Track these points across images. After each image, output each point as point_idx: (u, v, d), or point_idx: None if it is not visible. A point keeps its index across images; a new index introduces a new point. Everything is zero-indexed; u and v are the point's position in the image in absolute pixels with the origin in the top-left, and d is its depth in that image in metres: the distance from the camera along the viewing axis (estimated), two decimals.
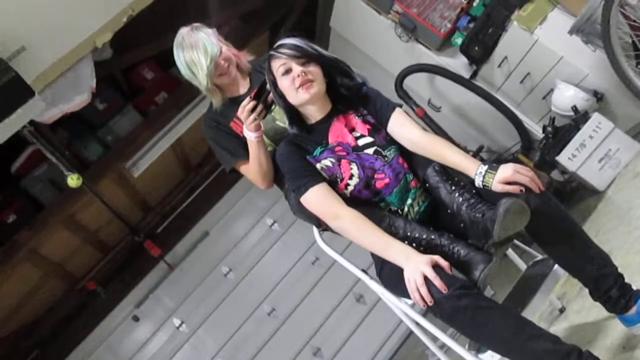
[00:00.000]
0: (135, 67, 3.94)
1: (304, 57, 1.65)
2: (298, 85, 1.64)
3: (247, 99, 1.77)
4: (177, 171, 4.52)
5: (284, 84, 1.66)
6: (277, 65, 1.65)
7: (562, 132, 2.93)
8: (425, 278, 1.38)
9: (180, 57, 1.96)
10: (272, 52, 1.67)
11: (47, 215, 3.63)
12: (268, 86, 1.74)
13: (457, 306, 1.36)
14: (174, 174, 4.53)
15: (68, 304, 4.28)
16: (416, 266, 1.40)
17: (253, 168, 1.98)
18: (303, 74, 1.63)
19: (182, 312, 4.10)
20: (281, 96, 1.69)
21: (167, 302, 4.15)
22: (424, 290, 1.37)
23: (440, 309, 1.38)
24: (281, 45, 1.67)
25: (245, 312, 4.05)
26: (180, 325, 4.06)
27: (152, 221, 4.52)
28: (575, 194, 3.17)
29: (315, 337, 4.01)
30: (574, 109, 2.85)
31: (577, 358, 1.33)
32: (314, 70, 1.66)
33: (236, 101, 2.04)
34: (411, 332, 3.82)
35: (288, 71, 1.65)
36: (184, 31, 1.97)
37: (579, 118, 2.85)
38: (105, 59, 3.25)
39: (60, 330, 4.14)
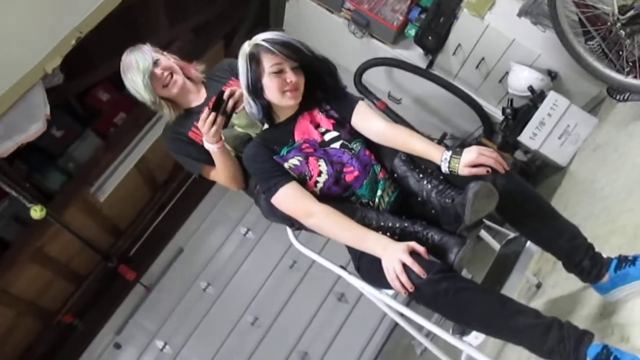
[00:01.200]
0: (89, 91, 3.85)
1: (298, 60, 1.61)
2: (288, 89, 1.62)
3: (206, 110, 1.75)
4: (144, 191, 4.44)
5: (272, 83, 1.61)
6: (270, 63, 1.59)
7: (521, 113, 3.00)
8: (404, 265, 1.39)
9: (125, 82, 1.96)
10: (264, 45, 1.58)
11: (14, 253, 3.51)
12: (225, 95, 1.73)
13: (437, 290, 1.38)
14: (142, 194, 4.44)
15: (46, 341, 4.14)
16: (393, 254, 1.41)
17: (221, 174, 1.97)
18: (295, 81, 1.61)
19: (164, 333, 4.03)
20: (260, 89, 1.65)
21: (148, 325, 4.07)
22: (403, 278, 1.38)
23: (421, 294, 1.39)
24: (275, 41, 1.59)
25: (228, 325, 4.00)
26: (164, 346, 3.99)
27: (124, 245, 4.43)
28: (540, 172, 3.24)
29: (301, 341, 3.99)
30: (530, 89, 2.92)
31: (558, 329, 1.36)
32: (301, 76, 1.64)
33: (192, 112, 2.03)
34: (396, 325, 3.86)
35: (280, 71, 1.60)
36: (123, 55, 1.96)
37: (536, 98, 2.92)
38: (57, 84, 3.17)
39: None
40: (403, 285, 1.39)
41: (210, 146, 1.82)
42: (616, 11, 2.09)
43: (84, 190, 3.70)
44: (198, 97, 2.06)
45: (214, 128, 1.74)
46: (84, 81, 3.67)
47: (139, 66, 1.90)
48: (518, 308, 1.41)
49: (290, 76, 1.60)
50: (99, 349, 4.00)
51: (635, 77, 2.27)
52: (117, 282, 4.22)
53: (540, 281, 2.22)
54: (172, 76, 1.97)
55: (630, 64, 2.29)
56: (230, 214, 4.23)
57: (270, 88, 1.63)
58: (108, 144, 3.85)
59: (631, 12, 2.06)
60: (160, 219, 4.42)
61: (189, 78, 2.04)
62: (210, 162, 1.95)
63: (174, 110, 2.04)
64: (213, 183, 2.12)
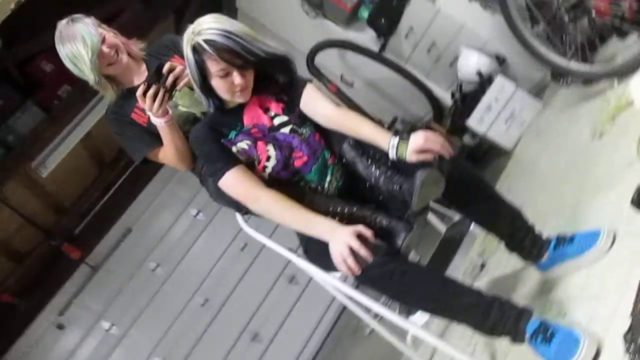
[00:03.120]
0: (32, 60, 3.66)
1: (243, 62, 1.53)
2: (237, 91, 1.58)
3: (142, 86, 1.69)
4: (91, 168, 4.30)
5: (220, 84, 1.56)
6: (215, 69, 1.52)
7: (469, 97, 3.06)
8: (352, 249, 1.40)
9: (62, 52, 1.84)
10: (207, 50, 1.48)
11: None
12: (165, 69, 1.68)
13: (383, 272, 1.40)
14: (88, 171, 4.30)
15: None
16: (341, 238, 1.42)
17: (169, 153, 1.92)
18: (243, 82, 1.55)
19: (110, 314, 3.94)
20: (209, 89, 1.60)
21: (94, 306, 3.97)
22: (350, 261, 1.40)
23: (368, 277, 1.42)
24: (218, 46, 1.48)
25: (178, 306, 3.96)
26: (110, 327, 3.91)
27: (69, 223, 4.29)
28: (487, 156, 3.33)
29: (252, 322, 4.00)
30: (479, 73, 2.97)
31: (499, 307, 1.42)
32: (251, 74, 1.59)
33: (133, 91, 1.96)
34: (345, 307, 3.91)
35: (226, 74, 1.54)
36: (61, 24, 1.85)
37: (484, 82, 2.98)
38: None
39: None
40: (350, 268, 1.41)
41: (157, 120, 1.77)
42: None
43: (25, 165, 3.55)
44: (139, 75, 1.99)
45: (157, 102, 1.69)
46: (25, 49, 3.49)
47: (86, 42, 1.80)
48: (461, 289, 1.46)
49: (237, 79, 1.54)
50: (41, 330, 3.87)
51: (577, 61, 2.35)
52: (61, 261, 4.09)
53: (485, 261, 2.30)
54: (117, 54, 1.90)
55: (573, 48, 2.37)
56: (181, 195, 4.16)
57: (219, 89, 1.59)
58: (52, 117, 3.69)
59: None
60: (108, 198, 4.29)
61: (129, 55, 1.96)
62: (155, 145, 1.90)
63: (115, 90, 1.97)
64: (162, 164, 2.06)
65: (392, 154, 1.53)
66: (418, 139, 1.50)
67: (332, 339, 3.92)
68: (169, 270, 4.05)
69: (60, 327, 3.88)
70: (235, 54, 1.50)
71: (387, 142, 1.54)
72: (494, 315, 1.41)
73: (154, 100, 1.70)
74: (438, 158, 1.50)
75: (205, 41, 1.48)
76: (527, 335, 1.38)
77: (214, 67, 1.53)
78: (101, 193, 4.31)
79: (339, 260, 1.42)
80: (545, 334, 1.35)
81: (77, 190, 4.34)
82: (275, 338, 3.97)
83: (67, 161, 3.72)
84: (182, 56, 1.89)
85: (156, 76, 1.68)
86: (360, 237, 1.42)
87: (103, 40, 1.85)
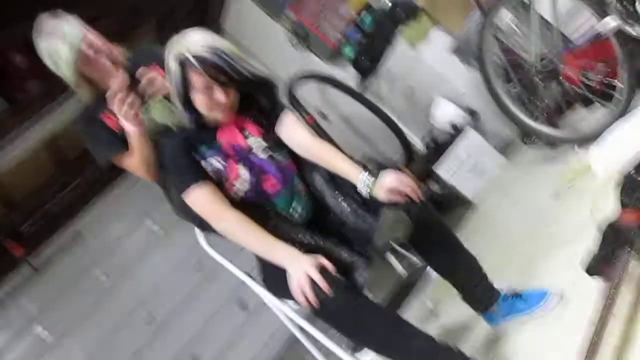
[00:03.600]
0: (2, 50, 3.58)
1: (228, 80, 1.54)
2: (217, 108, 1.57)
3: (114, 89, 1.67)
4: (49, 165, 4.16)
5: (200, 98, 1.56)
6: (198, 83, 1.53)
7: (440, 145, 3.13)
8: (311, 279, 1.39)
9: (40, 46, 1.82)
10: (195, 64, 1.49)
11: None
12: (145, 77, 1.70)
13: (339, 306, 1.39)
14: (45, 168, 4.15)
15: None
16: (301, 267, 1.40)
17: (136, 161, 1.89)
18: (224, 99, 1.55)
19: (46, 319, 3.76)
20: (189, 101, 1.59)
21: (29, 308, 3.77)
22: (308, 291, 1.38)
23: (323, 310, 1.40)
24: (204, 60, 1.49)
25: (119, 318, 3.80)
26: (43, 333, 3.73)
27: (16, 219, 4.11)
28: (449, 203, 3.38)
29: (193, 343, 3.88)
30: (452, 124, 3.06)
31: (449, 355, 1.43)
32: (233, 92, 1.58)
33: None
34: (292, 337, 3.85)
35: (209, 89, 1.54)
36: (43, 18, 1.83)
37: (455, 133, 3.06)
38: None
39: None
40: (306, 299, 1.39)
41: (129, 127, 1.74)
42: (535, 59, 2.26)
43: None
44: (116, 79, 1.97)
45: (125, 107, 1.68)
46: None
47: (66, 39, 1.78)
48: (413, 332, 1.46)
49: (219, 95, 1.54)
50: None
51: (544, 123, 2.45)
52: (1, 257, 3.91)
53: (437, 309, 2.32)
54: (97, 56, 1.87)
55: (541, 111, 2.48)
56: (140, 204, 4.03)
57: (199, 103, 1.58)
58: (15, 108, 3.59)
59: (547, 61, 2.23)
60: (62, 198, 4.15)
61: (109, 59, 1.94)
62: (123, 150, 1.87)
63: (90, 92, 1.95)
64: (124, 170, 2.01)
65: (363, 191, 1.54)
66: (389, 178, 1.52)
67: None
68: (114, 279, 3.91)
69: None
70: (220, 71, 1.50)
71: (358, 177, 1.55)
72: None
73: (128, 107, 1.67)
74: (408, 201, 1.52)
75: (193, 55, 1.49)
76: None
77: (197, 81, 1.53)
78: (56, 192, 4.17)
79: (296, 289, 1.40)
80: None
81: (30, 186, 4.18)
82: None
83: (25, 155, 3.60)
84: (159, 64, 1.89)
85: (132, 82, 1.67)
86: (321, 268, 1.41)
87: (84, 40, 1.83)
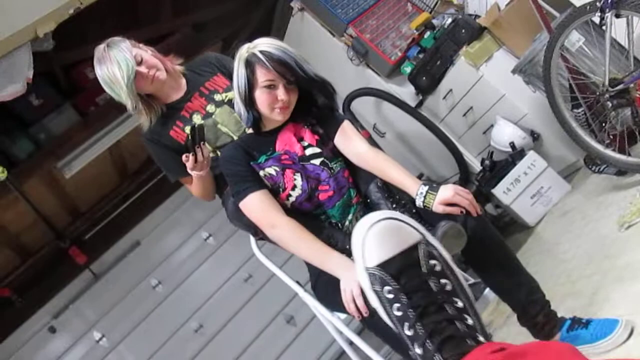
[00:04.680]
0: (77, 65, 3.78)
1: (293, 79, 1.58)
2: (278, 107, 1.60)
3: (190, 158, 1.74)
4: (113, 177, 4.35)
5: (263, 96, 1.59)
6: (264, 77, 1.57)
7: (499, 167, 3.04)
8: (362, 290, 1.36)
9: (99, 75, 1.89)
10: (261, 58, 1.55)
11: None
12: (197, 124, 1.77)
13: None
14: (109, 180, 4.34)
15: None
16: (353, 277, 1.38)
17: (196, 189, 1.99)
18: (286, 99, 1.58)
19: (103, 325, 3.88)
20: (252, 100, 1.62)
21: (89, 314, 3.92)
22: (360, 301, 1.36)
23: (374, 321, 1.37)
24: (272, 57, 1.55)
25: (171, 328, 3.88)
26: (101, 339, 3.84)
27: (81, 227, 4.29)
28: (507, 228, 3.27)
29: (241, 358, 3.89)
30: (512, 145, 2.97)
31: None
32: (294, 94, 1.62)
33: (173, 108, 2.01)
34: (339, 357, 3.80)
35: (272, 86, 1.58)
36: (98, 49, 1.90)
37: (516, 155, 2.97)
38: (45, 50, 3.11)
39: None
40: (358, 309, 1.37)
41: (195, 173, 1.81)
42: (606, 82, 2.15)
43: (50, 163, 3.60)
44: (178, 90, 2.03)
45: (197, 166, 1.76)
46: (73, 54, 3.61)
47: (121, 67, 1.82)
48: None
49: (281, 94, 1.57)
50: (32, 330, 3.82)
51: (613, 150, 2.32)
52: (65, 264, 4.07)
53: (491, 333, 2.22)
54: (155, 73, 1.92)
55: (611, 136, 2.35)
56: (195, 216, 4.15)
57: (261, 101, 1.61)
58: (85, 121, 3.77)
59: (620, 86, 2.12)
60: (123, 209, 4.31)
61: (167, 72, 2.00)
62: (186, 174, 1.92)
63: (153, 110, 1.99)
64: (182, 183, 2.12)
65: (419, 202, 1.51)
66: (448, 191, 1.49)
67: None
68: (169, 289, 4.00)
69: (52, 330, 3.83)
70: (286, 67, 1.54)
71: (415, 188, 1.52)
72: None
73: (196, 164, 1.75)
74: (464, 214, 1.47)
75: (261, 51, 1.55)
76: None
77: (262, 76, 1.56)
78: (118, 203, 4.33)
79: (348, 299, 1.38)
80: None
81: (95, 197, 4.38)
82: None
83: (92, 166, 3.76)
84: (224, 73, 1.94)
85: (193, 139, 1.71)
86: None
87: (140, 61, 1.88)
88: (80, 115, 3.80)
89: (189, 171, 1.80)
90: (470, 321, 0.81)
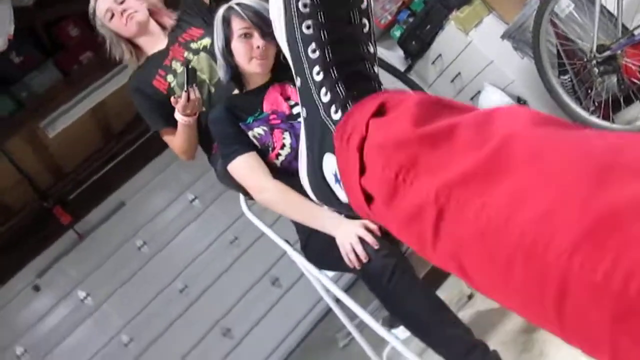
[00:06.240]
0: (59, 22, 3.69)
1: (268, 30, 1.57)
2: (255, 56, 1.60)
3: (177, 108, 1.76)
4: (97, 137, 4.30)
5: (239, 46, 1.61)
6: (238, 26, 1.59)
7: None
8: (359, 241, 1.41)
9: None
10: (236, 9, 1.59)
11: None
12: (191, 65, 1.82)
13: (386, 265, 1.40)
14: (94, 140, 4.30)
15: None
16: (350, 229, 1.43)
17: (178, 142, 1.97)
18: (263, 48, 1.59)
19: (88, 285, 3.90)
20: (229, 53, 1.63)
21: (73, 273, 3.93)
22: (359, 249, 1.40)
23: (369, 270, 1.41)
24: (249, 8, 1.59)
25: (156, 288, 3.91)
26: (85, 298, 3.86)
27: (65, 187, 4.26)
28: None
29: (226, 317, 3.95)
30: None
31: (482, 352, 1.39)
32: (272, 47, 1.62)
33: (154, 58, 2.02)
34: (323, 317, 3.88)
35: (248, 35, 1.59)
36: None
37: None
38: (26, 5, 3.03)
39: None
40: (357, 258, 1.41)
41: (182, 119, 1.80)
42: (594, 49, 2.18)
43: (33, 122, 3.55)
44: (159, 42, 2.04)
45: (189, 106, 1.75)
46: (55, 10, 3.52)
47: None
48: (453, 319, 1.44)
49: (257, 41, 1.58)
50: (16, 288, 3.82)
51: (598, 117, 2.37)
52: (49, 224, 4.06)
53: (473, 292, 2.28)
54: (131, 13, 1.95)
55: (596, 104, 2.39)
56: (181, 178, 4.13)
57: (238, 52, 1.62)
58: (68, 80, 3.70)
59: (607, 52, 2.14)
60: (108, 169, 4.28)
61: (158, 23, 2.04)
62: (169, 125, 1.94)
63: (140, 52, 2.04)
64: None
65: None
66: None
67: (304, 347, 3.88)
68: (154, 250, 4.02)
69: (37, 288, 3.84)
70: (261, 18, 1.57)
71: None
72: (475, 357, 1.38)
73: (187, 103, 1.75)
74: None
75: (238, 3, 1.59)
76: None
77: (237, 25, 1.59)
78: (102, 163, 4.30)
79: (347, 249, 1.42)
80: None
81: (79, 157, 4.33)
82: (246, 337, 3.93)
83: (75, 126, 3.72)
84: (200, 19, 1.95)
85: (186, 80, 1.73)
86: (366, 229, 1.43)
87: (122, 1, 1.93)
88: (63, 74, 3.72)
89: (178, 115, 1.80)
90: (376, 70, 0.68)
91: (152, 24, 2.01)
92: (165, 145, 2.09)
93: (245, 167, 1.61)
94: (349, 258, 1.43)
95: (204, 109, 1.90)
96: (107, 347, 3.78)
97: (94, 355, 3.74)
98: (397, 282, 1.40)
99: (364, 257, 1.41)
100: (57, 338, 3.74)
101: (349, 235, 1.42)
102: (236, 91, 1.75)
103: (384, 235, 1.46)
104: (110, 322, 3.85)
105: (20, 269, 3.88)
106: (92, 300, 3.87)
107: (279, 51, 1.68)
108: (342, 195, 0.63)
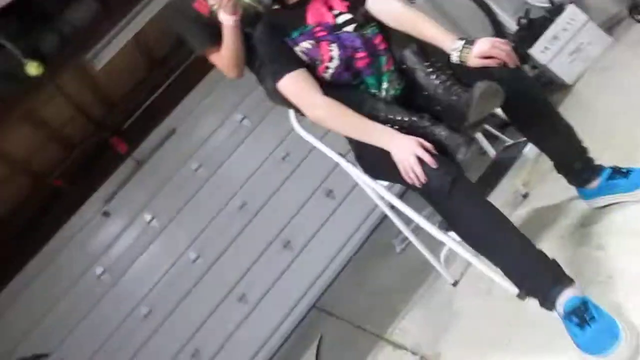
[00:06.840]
0: None
1: None
2: None
3: None
4: (142, 65, 4.34)
5: None
6: None
7: (536, 25, 2.91)
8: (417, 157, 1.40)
9: None
10: None
11: (6, 109, 3.47)
12: None
13: (444, 184, 1.39)
14: (139, 68, 4.35)
15: (34, 202, 4.22)
16: (407, 147, 1.42)
17: (225, 55, 1.93)
18: None
19: (152, 208, 4.10)
20: None
21: (137, 198, 4.12)
22: (418, 170, 1.40)
23: (430, 186, 1.41)
24: None
25: (216, 207, 4.08)
26: (151, 220, 4.08)
27: (117, 117, 4.40)
28: (545, 89, 3.21)
29: (285, 230, 4.10)
30: (551, 0, 2.81)
31: (541, 258, 1.37)
32: None
33: None
34: (378, 224, 3.99)
35: None
36: None
37: (554, 10, 2.83)
38: None
39: (27, 228, 4.11)
40: (417, 176, 1.41)
41: (226, 17, 1.76)
42: None
43: (80, 56, 3.60)
44: None
45: (231, 2, 1.69)
46: None
47: None
48: (507, 225, 1.42)
49: None
50: (87, 215, 4.06)
51: None
52: (108, 153, 4.24)
53: (528, 191, 2.28)
54: None
55: None
56: (229, 99, 4.15)
57: None
58: (106, 10, 3.69)
59: None
60: (156, 97, 4.36)
61: None
62: (215, 42, 1.90)
63: None
64: (212, 65, 2.05)
65: (454, 57, 1.49)
66: (485, 42, 1.46)
67: (361, 254, 4.02)
68: (210, 171, 4.14)
69: (106, 214, 4.06)
70: None
71: (451, 44, 1.50)
72: (532, 262, 1.37)
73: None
74: (501, 67, 1.45)
75: None
76: (563, 312, 1.29)
77: None
78: (150, 90, 4.37)
79: (406, 168, 1.42)
80: (583, 316, 1.24)
81: (126, 86, 4.42)
82: (305, 248, 4.08)
83: (119, 56, 3.74)
84: None
85: None
86: (422, 147, 1.42)
87: None
88: (100, 3, 3.71)
89: (224, 16, 1.76)
90: None
91: None
92: (208, 69, 2.06)
93: (295, 85, 1.59)
94: (409, 176, 1.43)
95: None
96: (176, 265, 4.02)
97: (165, 273, 4.00)
98: (457, 199, 1.40)
99: (423, 178, 1.40)
100: (130, 258, 4.01)
101: (406, 153, 1.41)
102: (277, 6, 1.71)
103: (440, 152, 1.46)
104: (177, 241, 4.07)
105: (88, 198, 4.11)
106: (158, 222, 4.08)
107: None
108: None
